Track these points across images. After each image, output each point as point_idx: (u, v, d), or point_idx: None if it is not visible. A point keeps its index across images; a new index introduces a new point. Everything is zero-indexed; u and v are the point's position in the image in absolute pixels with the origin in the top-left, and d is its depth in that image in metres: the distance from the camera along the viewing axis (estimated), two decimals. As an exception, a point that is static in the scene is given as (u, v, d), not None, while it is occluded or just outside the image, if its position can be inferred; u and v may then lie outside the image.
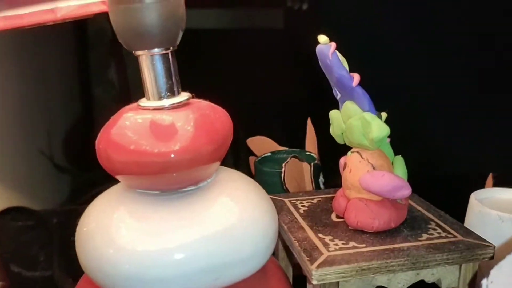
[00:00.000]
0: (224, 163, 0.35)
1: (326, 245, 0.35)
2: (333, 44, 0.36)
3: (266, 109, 0.68)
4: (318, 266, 0.32)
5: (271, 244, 0.33)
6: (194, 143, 0.31)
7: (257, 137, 0.64)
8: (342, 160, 0.40)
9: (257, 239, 0.31)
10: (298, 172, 0.53)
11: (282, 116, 0.70)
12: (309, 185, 0.55)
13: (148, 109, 0.32)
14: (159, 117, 0.32)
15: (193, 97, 0.34)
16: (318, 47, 0.36)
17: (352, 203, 0.37)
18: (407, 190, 0.36)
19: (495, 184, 0.52)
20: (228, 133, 0.34)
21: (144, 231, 0.30)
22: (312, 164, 0.55)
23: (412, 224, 0.38)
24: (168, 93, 0.33)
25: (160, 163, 0.30)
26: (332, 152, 0.62)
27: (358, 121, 0.36)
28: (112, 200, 0.33)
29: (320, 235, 0.37)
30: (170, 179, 0.31)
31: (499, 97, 0.61)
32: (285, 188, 0.51)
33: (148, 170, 0.30)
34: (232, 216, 0.31)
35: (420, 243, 0.35)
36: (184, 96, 0.33)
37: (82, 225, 0.33)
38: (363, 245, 0.35)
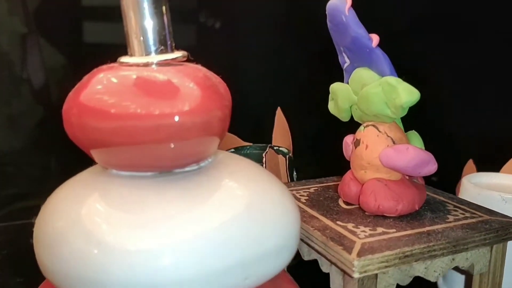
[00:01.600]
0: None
1: (352, 232, 0.29)
2: (349, 0, 0.31)
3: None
4: (359, 255, 0.26)
5: (299, 231, 0.26)
6: (205, 104, 0.24)
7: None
8: (348, 139, 0.35)
9: (285, 224, 0.25)
10: (275, 164, 0.48)
11: (244, 109, 0.64)
12: (284, 178, 0.49)
13: (137, 65, 0.25)
14: (149, 74, 0.24)
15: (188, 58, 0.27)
16: (330, 3, 0.31)
17: (370, 184, 0.32)
18: (434, 165, 0.32)
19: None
20: (230, 102, 0.28)
21: (143, 221, 0.22)
22: (287, 157, 0.49)
23: (430, 207, 0.34)
24: (162, 47, 0.26)
25: (163, 127, 0.22)
26: (299, 146, 0.57)
27: (377, 88, 0.31)
28: (88, 186, 0.24)
29: (339, 222, 0.31)
30: (174, 151, 0.24)
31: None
32: (267, 181, 0.45)
33: (144, 139, 0.23)
34: (252, 197, 0.25)
35: (451, 224, 0.31)
36: (179, 53, 0.26)
37: (46, 223, 0.24)
38: (393, 230, 0.30)
